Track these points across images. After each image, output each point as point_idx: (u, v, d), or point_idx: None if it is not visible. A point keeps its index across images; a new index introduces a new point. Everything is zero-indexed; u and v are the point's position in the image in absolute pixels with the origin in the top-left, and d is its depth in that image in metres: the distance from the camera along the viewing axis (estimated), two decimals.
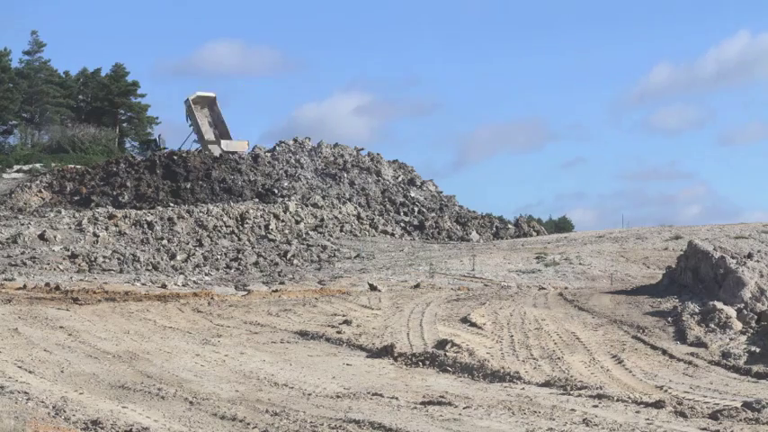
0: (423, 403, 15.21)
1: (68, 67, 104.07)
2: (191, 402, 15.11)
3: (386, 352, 20.53)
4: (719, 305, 25.27)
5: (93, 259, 44.17)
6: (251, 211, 55.71)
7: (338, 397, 15.90)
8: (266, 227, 54.23)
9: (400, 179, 70.02)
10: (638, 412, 14.57)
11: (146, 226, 51.80)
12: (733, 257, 28.86)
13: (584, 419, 13.88)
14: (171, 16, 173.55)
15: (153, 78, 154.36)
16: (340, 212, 59.48)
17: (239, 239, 51.77)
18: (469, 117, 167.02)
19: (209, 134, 72.67)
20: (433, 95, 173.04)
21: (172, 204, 58.36)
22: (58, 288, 32.67)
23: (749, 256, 30.34)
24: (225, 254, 47.60)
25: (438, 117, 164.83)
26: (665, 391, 17.59)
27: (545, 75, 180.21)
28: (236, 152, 69.12)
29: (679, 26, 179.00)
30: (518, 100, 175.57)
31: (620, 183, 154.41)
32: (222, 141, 71.21)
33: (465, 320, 25.24)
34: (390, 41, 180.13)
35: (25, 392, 15.15)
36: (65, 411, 13.89)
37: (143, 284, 36.29)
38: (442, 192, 70.42)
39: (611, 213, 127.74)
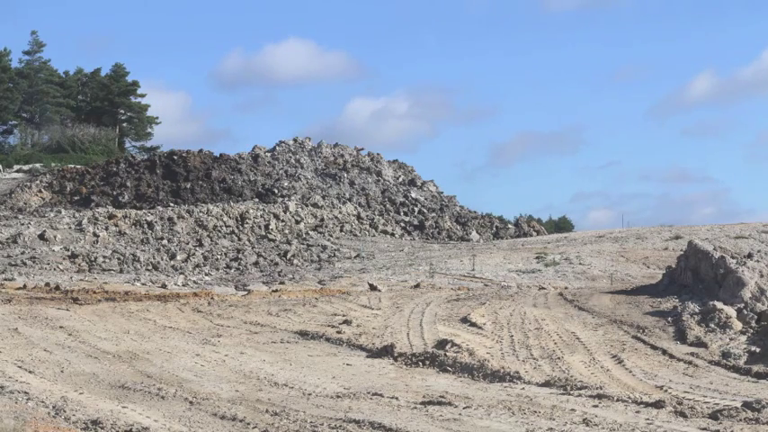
0: (423, 403, 15.21)
1: (69, 67, 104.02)
2: (191, 402, 15.11)
3: (386, 352, 20.53)
4: (719, 305, 25.26)
5: (93, 259, 44.16)
6: (251, 211, 55.72)
7: (338, 397, 15.90)
8: (266, 227, 54.23)
9: (401, 179, 70.02)
10: (638, 412, 14.57)
11: (146, 226, 51.80)
12: (733, 257, 28.86)
13: (584, 419, 13.88)
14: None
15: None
16: (340, 212, 59.48)
17: (239, 239, 51.77)
18: (510, 120, 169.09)
19: None
20: (480, 100, 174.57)
21: (172, 204, 58.36)
22: (57, 288, 32.66)
23: (749, 256, 30.34)
24: (225, 254, 47.60)
25: (482, 121, 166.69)
26: (665, 391, 17.59)
27: (587, 77, 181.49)
28: None
29: (727, 34, 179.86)
30: (558, 102, 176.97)
31: (645, 185, 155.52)
32: None
33: (465, 320, 25.24)
34: (439, 46, 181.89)
35: (25, 392, 15.15)
36: (65, 411, 13.89)
37: (143, 284, 36.29)
38: (442, 192, 70.42)
39: (628, 215, 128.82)
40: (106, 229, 50.44)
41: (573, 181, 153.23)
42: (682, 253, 32.08)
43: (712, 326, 24.35)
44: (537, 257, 44.00)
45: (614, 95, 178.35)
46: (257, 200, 60.75)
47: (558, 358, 20.88)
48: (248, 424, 13.52)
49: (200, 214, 54.24)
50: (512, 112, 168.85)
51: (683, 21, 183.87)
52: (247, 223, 54.09)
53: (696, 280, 29.25)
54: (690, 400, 16.34)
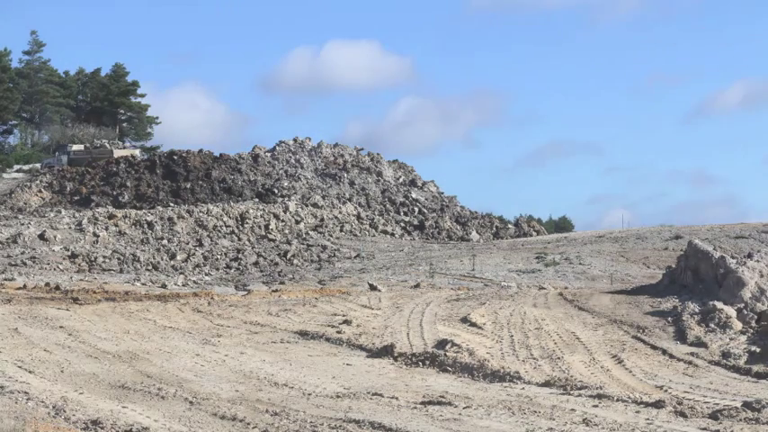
0: (423, 403, 15.20)
1: (69, 67, 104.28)
2: (191, 402, 15.10)
3: (386, 352, 20.53)
4: (719, 305, 25.25)
5: (93, 259, 44.17)
6: (251, 211, 55.72)
7: (338, 397, 15.90)
8: (266, 227, 54.24)
9: (401, 180, 70.02)
10: (638, 412, 14.56)
11: (146, 226, 51.81)
12: (733, 257, 28.85)
13: (584, 419, 13.88)
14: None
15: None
16: (340, 212, 59.49)
17: (239, 239, 51.78)
18: (545, 125, 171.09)
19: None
20: (522, 105, 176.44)
21: (172, 204, 58.37)
22: (58, 288, 32.66)
23: (749, 256, 30.33)
24: (225, 254, 47.61)
25: (523, 125, 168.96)
26: (665, 391, 17.58)
27: (625, 79, 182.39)
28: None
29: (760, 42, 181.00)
30: (593, 107, 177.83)
31: (661, 187, 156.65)
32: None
33: (465, 320, 25.23)
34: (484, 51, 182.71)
35: (25, 392, 15.14)
36: (65, 411, 13.89)
37: (143, 284, 36.29)
38: (443, 192, 70.42)
39: (643, 217, 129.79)
40: (106, 229, 50.45)
41: (595, 183, 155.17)
42: (682, 253, 32.08)
43: (712, 326, 24.34)
44: (537, 257, 44.00)
45: (648, 100, 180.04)
46: (257, 200, 60.77)
47: (558, 358, 20.87)
48: (248, 424, 13.52)
49: (200, 214, 54.25)
50: (549, 117, 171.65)
51: (719, 27, 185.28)
52: (247, 223, 54.10)
53: (696, 280, 29.24)
54: (690, 400, 16.33)
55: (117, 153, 71.08)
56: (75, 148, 72.95)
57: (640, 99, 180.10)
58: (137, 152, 73.25)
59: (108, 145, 76.21)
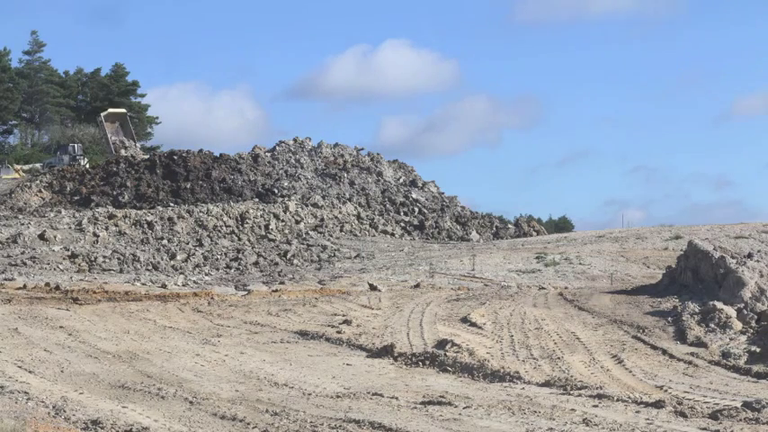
0: (423, 403, 15.21)
1: (69, 67, 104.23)
2: (191, 402, 15.11)
3: (386, 352, 20.53)
4: (719, 305, 25.25)
5: (93, 259, 44.16)
6: (251, 211, 55.72)
7: (338, 397, 15.90)
8: (266, 227, 54.23)
9: (401, 180, 70.01)
10: (638, 412, 14.56)
11: (146, 226, 51.81)
12: (733, 257, 28.85)
13: (584, 419, 13.88)
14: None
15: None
16: (340, 212, 59.49)
17: (239, 239, 51.78)
18: (571, 126, 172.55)
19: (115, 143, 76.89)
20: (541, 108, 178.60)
21: (172, 204, 58.36)
22: (58, 288, 32.66)
23: (749, 256, 30.33)
24: (225, 254, 47.60)
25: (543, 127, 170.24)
26: (665, 391, 17.58)
27: (654, 82, 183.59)
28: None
29: None
30: (619, 110, 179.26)
31: (681, 190, 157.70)
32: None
33: (465, 320, 25.24)
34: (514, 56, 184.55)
35: (25, 392, 15.15)
36: (65, 411, 13.90)
37: (143, 284, 36.29)
38: (443, 192, 70.41)
39: (655, 219, 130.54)
40: (106, 229, 50.45)
41: (616, 185, 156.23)
42: (682, 253, 32.08)
43: (712, 326, 24.34)
44: (537, 257, 44.00)
45: (676, 103, 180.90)
46: (257, 200, 60.75)
47: (558, 358, 20.87)
48: (248, 424, 13.52)
49: (200, 214, 54.24)
50: (581, 122, 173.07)
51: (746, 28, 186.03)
52: (247, 223, 54.09)
53: (696, 280, 29.24)
54: (690, 400, 16.33)
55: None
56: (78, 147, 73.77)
57: (673, 101, 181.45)
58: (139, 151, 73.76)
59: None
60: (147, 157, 69.99)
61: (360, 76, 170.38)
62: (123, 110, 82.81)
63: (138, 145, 78.62)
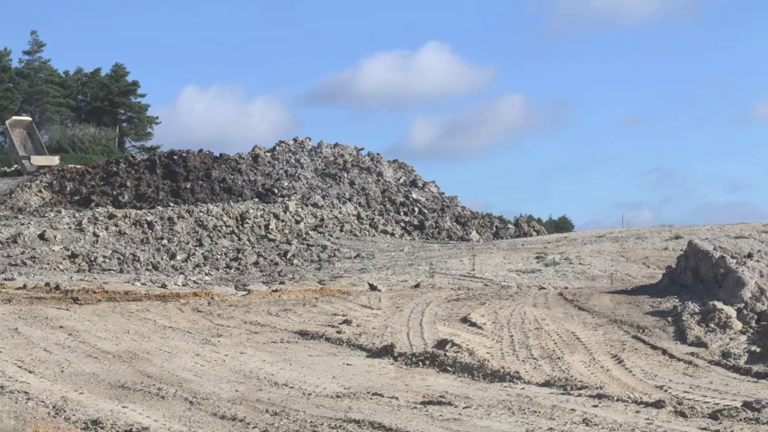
0: (423, 403, 15.21)
1: (69, 67, 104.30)
2: (191, 402, 15.11)
3: (386, 352, 20.53)
4: (719, 305, 25.25)
5: (93, 259, 44.17)
6: (251, 210, 55.72)
7: (338, 397, 15.90)
8: (266, 227, 54.23)
9: (402, 180, 70.01)
10: (638, 412, 14.56)
11: (146, 226, 51.81)
12: (733, 257, 28.85)
13: (584, 419, 13.88)
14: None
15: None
16: (340, 212, 59.49)
17: (239, 239, 51.78)
18: (595, 130, 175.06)
19: (21, 151, 75.43)
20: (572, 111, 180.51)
21: (172, 204, 58.36)
22: (58, 288, 32.66)
23: (749, 255, 30.33)
24: (225, 254, 47.60)
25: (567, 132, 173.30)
26: (665, 391, 17.58)
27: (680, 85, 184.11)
28: (46, 166, 70.36)
29: None
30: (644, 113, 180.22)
31: (695, 191, 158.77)
32: (32, 157, 73.24)
33: (465, 320, 25.24)
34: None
35: (25, 392, 15.15)
36: (65, 411, 13.90)
37: (143, 284, 36.30)
38: (443, 193, 70.42)
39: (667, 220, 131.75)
40: (106, 229, 50.45)
41: (628, 187, 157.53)
42: (682, 253, 32.08)
43: (712, 326, 24.34)
44: (537, 257, 44.00)
45: (698, 107, 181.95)
46: (257, 200, 60.76)
47: (558, 358, 20.87)
48: (248, 424, 13.53)
49: (200, 214, 54.24)
50: (599, 126, 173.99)
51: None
52: (247, 223, 54.09)
53: (696, 280, 29.24)
54: (690, 400, 16.33)
55: (35, 161, 71.33)
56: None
57: (695, 105, 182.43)
58: (56, 159, 73.07)
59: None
60: (146, 156, 70.05)
61: (394, 80, 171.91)
62: (28, 118, 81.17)
63: (53, 158, 74.23)
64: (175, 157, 65.36)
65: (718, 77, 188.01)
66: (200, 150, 67.72)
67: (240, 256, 46.89)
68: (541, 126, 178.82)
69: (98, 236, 48.91)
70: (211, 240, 50.77)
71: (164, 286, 35.51)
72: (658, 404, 14.95)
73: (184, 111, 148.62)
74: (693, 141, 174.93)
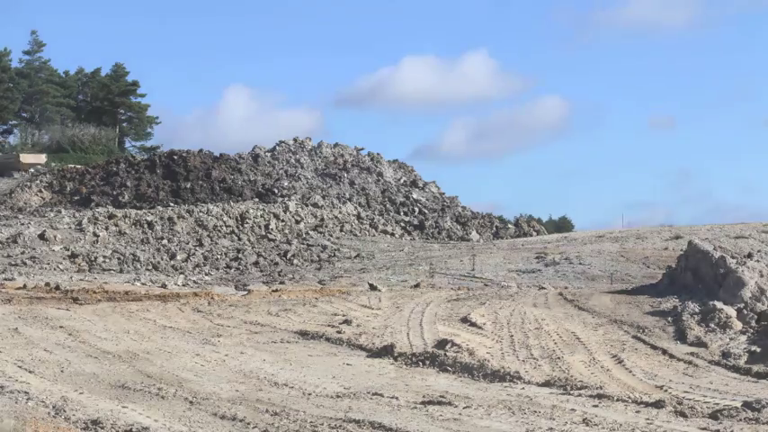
0: (423, 403, 15.21)
1: (69, 67, 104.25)
2: (191, 402, 15.11)
3: (386, 352, 20.53)
4: (719, 305, 25.25)
5: (93, 259, 44.17)
6: (251, 210, 55.72)
7: (338, 397, 15.90)
8: (266, 227, 54.23)
9: (402, 180, 70.00)
10: (638, 412, 14.56)
11: (146, 226, 51.81)
12: (733, 257, 28.85)
13: (584, 419, 13.88)
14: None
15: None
16: (340, 212, 59.48)
17: (239, 239, 51.77)
18: (620, 131, 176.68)
19: None
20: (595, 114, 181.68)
21: (172, 204, 58.36)
22: (58, 288, 32.67)
23: (749, 255, 30.33)
24: (225, 254, 47.61)
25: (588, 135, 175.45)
26: (665, 390, 17.58)
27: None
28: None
29: None
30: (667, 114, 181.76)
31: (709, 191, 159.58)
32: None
33: (465, 320, 25.23)
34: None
35: (25, 392, 15.15)
36: (65, 411, 13.89)
37: (143, 284, 36.31)
38: (444, 193, 70.43)
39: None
40: (106, 228, 50.44)
41: (647, 186, 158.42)
42: (682, 253, 32.07)
43: (712, 326, 24.34)
44: (537, 257, 44.00)
45: (724, 110, 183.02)
46: (257, 200, 60.75)
47: (558, 358, 20.87)
48: (248, 424, 13.52)
49: (200, 214, 54.24)
50: (626, 128, 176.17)
51: None
52: (247, 223, 54.09)
53: (696, 280, 29.24)
54: (690, 400, 16.33)
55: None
56: None
57: (721, 108, 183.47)
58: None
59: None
60: (146, 156, 70.06)
61: (426, 83, 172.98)
62: None
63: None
64: (175, 157, 65.35)
65: (742, 80, 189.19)
66: (200, 150, 67.71)
67: (240, 256, 46.90)
68: (572, 129, 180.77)
69: (98, 236, 48.91)
70: (211, 240, 50.77)
71: (164, 286, 35.52)
72: (658, 404, 14.95)
73: (224, 113, 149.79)
74: (716, 143, 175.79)
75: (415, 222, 62.25)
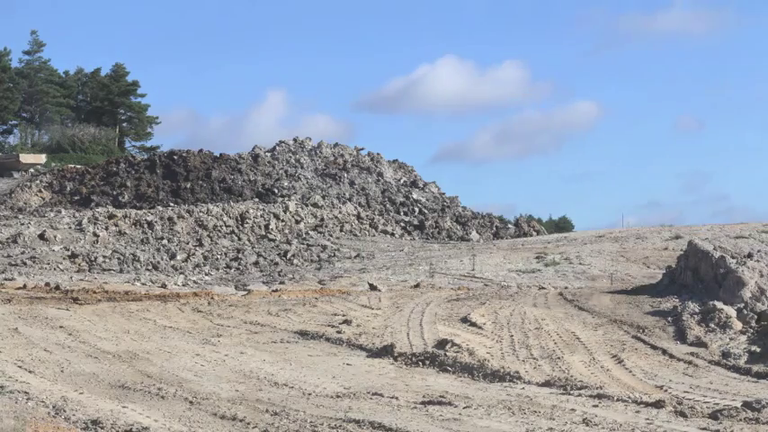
0: (423, 403, 15.21)
1: (69, 67, 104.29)
2: (191, 402, 15.11)
3: (386, 352, 20.53)
4: (719, 305, 25.25)
5: (93, 259, 44.17)
6: (251, 210, 55.71)
7: (338, 397, 15.90)
8: (266, 227, 54.22)
9: (402, 180, 70.00)
10: (638, 412, 14.56)
11: (146, 226, 51.80)
12: (733, 257, 28.85)
13: (584, 419, 13.88)
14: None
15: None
16: (340, 212, 59.47)
17: (239, 239, 51.78)
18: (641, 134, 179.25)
19: None
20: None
21: (172, 204, 58.36)
22: (57, 288, 32.67)
23: (749, 255, 30.32)
24: (225, 254, 47.60)
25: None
26: (665, 390, 17.59)
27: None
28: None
29: None
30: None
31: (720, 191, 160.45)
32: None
33: (465, 320, 25.23)
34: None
35: (25, 392, 15.15)
36: (65, 411, 13.89)
37: (143, 284, 36.31)
38: (444, 193, 70.43)
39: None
40: (106, 228, 50.44)
41: (661, 187, 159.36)
42: (682, 253, 32.07)
43: (712, 326, 24.34)
44: (537, 257, 44.00)
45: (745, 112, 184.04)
46: (257, 200, 60.76)
47: (558, 358, 20.88)
48: (248, 424, 13.52)
49: (200, 214, 54.24)
50: (647, 130, 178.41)
51: None
52: (247, 223, 54.09)
53: (696, 280, 29.24)
54: (690, 399, 16.33)
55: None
56: None
57: (743, 111, 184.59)
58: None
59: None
60: (146, 156, 70.07)
61: (454, 87, 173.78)
62: None
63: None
64: (175, 157, 65.36)
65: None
66: (200, 150, 67.72)
67: (240, 256, 46.89)
68: (599, 132, 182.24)
69: (98, 236, 48.91)
70: (211, 240, 50.77)
71: (164, 286, 35.52)
72: (658, 404, 14.95)
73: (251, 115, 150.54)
74: (741, 147, 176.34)
75: (415, 222, 62.25)
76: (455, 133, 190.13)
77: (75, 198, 61.55)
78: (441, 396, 15.81)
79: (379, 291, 32.61)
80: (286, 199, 60.46)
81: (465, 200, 69.30)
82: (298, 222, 56.01)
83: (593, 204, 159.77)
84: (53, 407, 14.17)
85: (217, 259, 46.40)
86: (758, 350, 21.93)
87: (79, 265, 43.19)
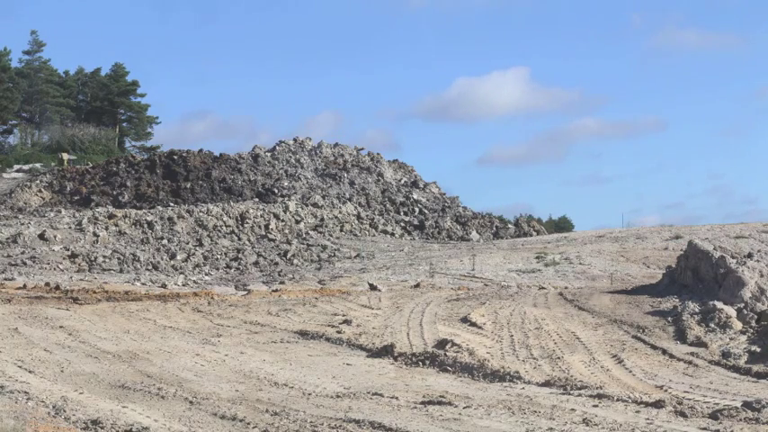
0: (423, 403, 15.20)
1: (69, 67, 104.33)
2: (191, 402, 15.11)
3: (386, 352, 20.53)
4: (719, 305, 25.25)
5: (93, 259, 44.17)
6: (251, 210, 55.72)
7: (338, 397, 15.90)
8: (266, 227, 54.23)
9: (402, 181, 70.00)
10: (638, 412, 14.56)
11: (146, 226, 51.81)
12: (733, 257, 28.85)
13: (584, 419, 13.88)
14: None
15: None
16: (340, 212, 59.48)
17: (239, 239, 51.78)
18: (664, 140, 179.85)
19: None
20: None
21: (172, 204, 58.37)
22: (57, 288, 32.68)
23: (749, 255, 30.32)
24: (225, 254, 47.61)
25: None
26: (665, 390, 17.58)
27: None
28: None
29: None
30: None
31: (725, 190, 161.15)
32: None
33: (465, 320, 25.24)
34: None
35: (25, 392, 15.15)
36: (65, 411, 13.89)
37: (143, 284, 36.31)
38: (444, 193, 70.43)
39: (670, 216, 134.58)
40: (106, 228, 50.44)
41: (672, 188, 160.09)
42: (682, 253, 32.07)
43: (712, 326, 24.34)
44: (537, 257, 44.01)
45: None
46: (257, 200, 60.76)
47: (558, 358, 20.87)
48: (248, 424, 13.52)
49: (200, 214, 54.24)
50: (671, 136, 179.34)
51: None
52: (247, 223, 54.09)
53: (696, 280, 29.24)
54: (690, 399, 16.32)
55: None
56: None
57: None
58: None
59: None
60: (146, 156, 70.09)
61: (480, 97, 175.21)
62: None
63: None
64: (175, 157, 65.36)
65: None
66: (200, 150, 67.72)
67: (240, 256, 46.90)
68: (637, 135, 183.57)
69: (98, 236, 48.91)
70: (211, 240, 50.78)
71: (164, 286, 35.52)
72: (658, 404, 14.95)
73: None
74: (754, 150, 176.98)
75: (415, 222, 62.25)
76: (496, 137, 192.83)
77: (75, 198, 61.57)
78: (441, 396, 15.80)
79: (379, 291, 32.62)
80: (286, 199, 60.47)
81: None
82: (298, 222, 56.01)
83: (625, 206, 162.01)
84: (53, 407, 14.17)
85: (217, 259, 46.41)
86: (758, 350, 21.92)
87: (79, 265, 43.19)
